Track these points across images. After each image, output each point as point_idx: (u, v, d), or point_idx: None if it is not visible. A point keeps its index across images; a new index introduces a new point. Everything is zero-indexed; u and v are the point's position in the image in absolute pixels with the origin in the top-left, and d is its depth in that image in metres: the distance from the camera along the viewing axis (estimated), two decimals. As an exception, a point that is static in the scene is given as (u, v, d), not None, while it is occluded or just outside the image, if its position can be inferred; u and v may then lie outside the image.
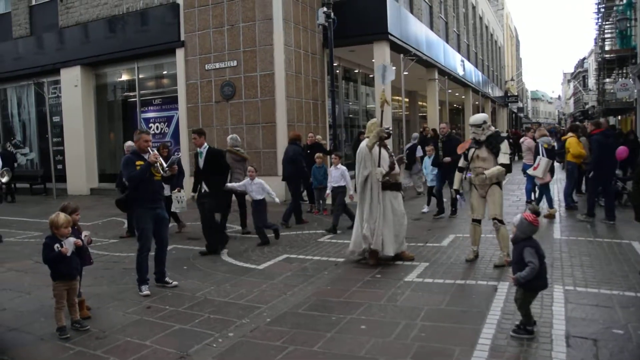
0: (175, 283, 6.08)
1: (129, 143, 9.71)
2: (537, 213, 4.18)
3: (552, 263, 6.37)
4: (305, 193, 11.97)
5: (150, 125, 16.13)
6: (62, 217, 4.75)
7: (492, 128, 6.51)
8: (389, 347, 4.09)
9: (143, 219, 5.82)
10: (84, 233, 5.07)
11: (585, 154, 10.78)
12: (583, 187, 12.17)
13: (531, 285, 4.14)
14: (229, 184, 8.43)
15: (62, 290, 4.68)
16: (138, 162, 5.76)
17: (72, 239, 4.73)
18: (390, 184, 6.67)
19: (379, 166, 6.60)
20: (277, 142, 13.40)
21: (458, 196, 6.77)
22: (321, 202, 11.08)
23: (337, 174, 9.45)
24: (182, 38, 14.60)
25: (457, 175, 6.74)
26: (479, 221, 6.57)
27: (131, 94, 16.80)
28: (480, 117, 6.58)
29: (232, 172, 8.94)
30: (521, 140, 12.58)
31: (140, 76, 16.49)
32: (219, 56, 14.10)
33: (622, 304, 4.55)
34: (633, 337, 4.07)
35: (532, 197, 11.55)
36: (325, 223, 9.88)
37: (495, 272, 6.00)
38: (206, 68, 14.29)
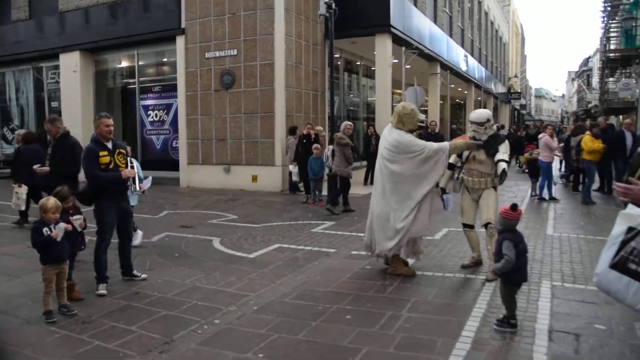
0: (144, 276, 5.79)
1: (20, 131, 9.70)
2: (513, 207, 4.18)
3: (542, 259, 6.39)
4: (302, 184, 11.99)
5: (149, 112, 16.13)
6: (51, 201, 4.70)
7: (494, 127, 5.93)
8: (372, 337, 4.09)
9: (106, 212, 5.43)
10: (77, 217, 5.03)
11: (600, 148, 10.84)
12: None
13: (509, 278, 4.14)
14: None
15: (52, 274, 4.65)
16: (102, 154, 5.35)
17: (62, 224, 4.67)
18: None
19: None
20: (275, 132, 13.38)
21: (444, 196, 5.99)
22: (317, 193, 11.07)
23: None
24: (183, 25, 14.54)
25: (447, 173, 5.97)
26: (470, 226, 6.01)
27: (131, 81, 16.76)
28: (483, 113, 5.91)
29: (333, 156, 10.22)
30: (540, 136, 12.64)
31: (140, 63, 16.44)
32: (219, 44, 14.05)
33: (607, 301, 4.51)
34: (615, 332, 4.08)
35: (542, 194, 11.50)
36: (320, 214, 9.89)
37: (485, 267, 5.93)
38: (206, 56, 14.25)
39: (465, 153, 5.91)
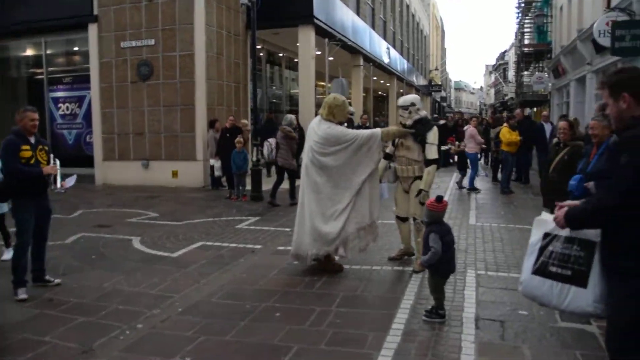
0: (58, 281, 5.42)
1: None
2: (438, 199, 4.27)
3: (467, 248, 6.61)
4: (225, 179, 11.77)
5: (59, 105, 15.16)
6: None
7: (422, 112, 5.81)
8: (303, 334, 4.06)
9: (24, 210, 5.12)
10: None
11: (518, 140, 11.35)
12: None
13: (437, 269, 4.24)
14: None
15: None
16: (24, 147, 5.05)
17: None
18: None
19: None
20: (196, 125, 13.00)
21: (381, 184, 5.89)
22: (240, 188, 10.88)
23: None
24: (96, 12, 13.75)
25: (382, 163, 5.93)
26: (402, 218, 5.95)
27: (38, 70, 15.62)
28: (408, 98, 5.88)
29: (278, 147, 9.98)
30: (465, 128, 13.02)
31: (48, 52, 15.37)
32: (135, 34, 13.42)
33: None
34: (536, 317, 4.28)
35: (473, 185, 11.88)
36: (244, 209, 9.73)
37: (411, 258, 6.04)
38: (122, 46, 13.57)
39: (394, 141, 5.87)
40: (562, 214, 2.50)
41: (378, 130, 5.73)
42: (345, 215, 5.48)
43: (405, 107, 5.73)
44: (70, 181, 5.56)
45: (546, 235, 2.70)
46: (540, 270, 2.70)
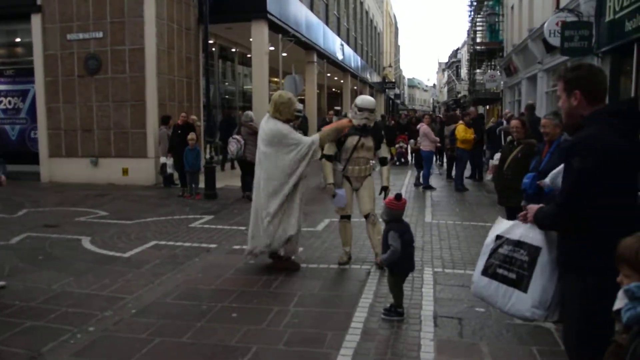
0: (2, 283, 5.17)
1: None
2: (397, 197, 4.31)
3: (423, 246, 6.69)
4: (177, 176, 11.54)
5: (0, 99, 14.45)
6: None
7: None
8: (261, 334, 4.03)
9: None
10: None
11: (472, 138, 11.56)
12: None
13: (397, 267, 4.28)
14: None
15: None
16: None
17: None
18: None
19: None
20: (147, 121, 12.68)
21: (337, 191, 5.67)
22: (193, 185, 10.69)
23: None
24: (39, 2, 13.16)
25: (328, 166, 5.77)
26: (349, 217, 5.90)
27: (-25, 62, 14.85)
28: (373, 100, 5.89)
29: (246, 144, 9.75)
30: (418, 126, 13.13)
31: (-13, 42, 14.62)
32: (82, 26, 12.94)
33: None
34: (492, 314, 4.34)
35: (428, 183, 12.02)
36: (198, 208, 9.58)
37: (369, 256, 6.09)
38: (68, 38, 13.05)
39: (352, 143, 5.69)
40: (532, 213, 2.54)
41: (316, 136, 5.66)
42: (276, 219, 5.49)
43: (372, 110, 5.75)
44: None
45: (498, 237, 2.76)
46: (489, 271, 2.76)
